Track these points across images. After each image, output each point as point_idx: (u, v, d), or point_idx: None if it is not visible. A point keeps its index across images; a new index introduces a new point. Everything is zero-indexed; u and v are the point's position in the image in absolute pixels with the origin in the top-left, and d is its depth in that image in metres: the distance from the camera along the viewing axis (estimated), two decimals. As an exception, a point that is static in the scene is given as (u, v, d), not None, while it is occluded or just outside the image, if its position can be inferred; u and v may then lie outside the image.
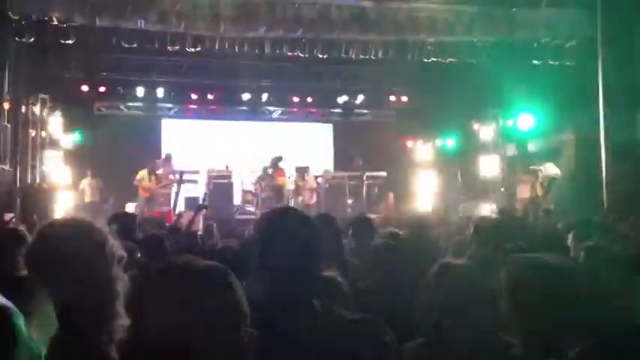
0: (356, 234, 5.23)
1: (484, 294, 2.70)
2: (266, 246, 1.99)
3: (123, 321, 1.69)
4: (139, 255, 4.89)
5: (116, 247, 1.77)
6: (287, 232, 2.01)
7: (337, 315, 1.97)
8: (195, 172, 16.36)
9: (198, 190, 16.23)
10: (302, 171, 15.95)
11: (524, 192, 13.61)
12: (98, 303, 1.67)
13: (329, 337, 1.86)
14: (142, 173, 14.78)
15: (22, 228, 3.54)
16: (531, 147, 14.24)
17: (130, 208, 14.60)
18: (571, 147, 13.21)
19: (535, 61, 13.40)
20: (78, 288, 1.60)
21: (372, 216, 8.54)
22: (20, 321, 0.93)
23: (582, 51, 12.55)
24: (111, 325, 1.68)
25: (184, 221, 12.89)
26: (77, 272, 1.64)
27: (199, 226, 12.15)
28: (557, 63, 13.22)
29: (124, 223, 4.87)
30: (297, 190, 15.51)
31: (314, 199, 15.41)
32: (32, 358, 0.93)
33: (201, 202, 13.23)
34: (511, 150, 14.92)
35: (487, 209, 13.44)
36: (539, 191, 12.92)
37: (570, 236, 4.87)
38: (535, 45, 13.26)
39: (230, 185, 15.60)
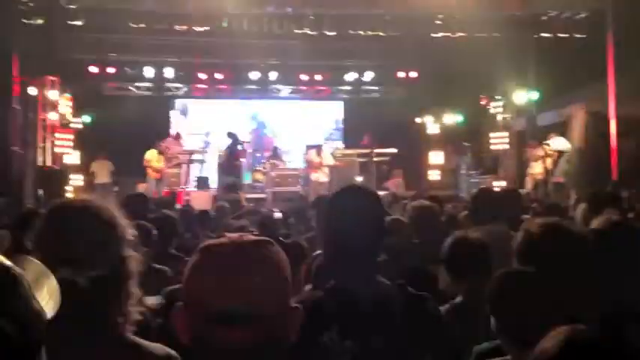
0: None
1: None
2: (337, 223, 2.06)
3: (138, 301, 1.72)
4: (154, 233, 4.96)
5: (127, 227, 1.80)
6: (359, 210, 2.08)
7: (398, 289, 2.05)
8: (204, 152, 16.43)
9: (208, 170, 16.33)
10: (317, 149, 15.90)
11: (534, 167, 13.57)
12: (111, 284, 1.69)
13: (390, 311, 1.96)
14: (151, 154, 14.78)
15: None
16: (541, 121, 14.17)
17: (142, 188, 14.67)
18: (580, 120, 13.12)
19: (544, 35, 13.29)
20: (90, 269, 1.63)
21: (381, 193, 8.57)
22: (25, 282, 0.96)
23: (592, 24, 12.43)
24: (125, 306, 1.71)
25: (194, 201, 13.03)
26: (88, 253, 1.66)
27: (210, 206, 12.26)
28: (566, 36, 13.10)
29: (136, 204, 4.91)
30: (312, 168, 15.46)
31: (327, 177, 15.39)
32: (39, 316, 0.96)
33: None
34: (521, 125, 14.85)
35: (496, 185, 13.44)
36: (549, 165, 12.89)
37: (580, 209, 4.88)
38: (544, 18, 13.14)
39: (240, 165, 15.61)
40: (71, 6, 12.25)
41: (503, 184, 13.55)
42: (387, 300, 1.97)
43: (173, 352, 1.74)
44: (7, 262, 0.95)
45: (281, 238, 3.74)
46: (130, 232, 1.79)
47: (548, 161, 12.95)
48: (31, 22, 12.02)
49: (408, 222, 4.58)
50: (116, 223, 1.77)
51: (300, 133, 19.22)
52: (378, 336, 1.91)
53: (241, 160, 15.33)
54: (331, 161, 15.45)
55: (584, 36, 12.93)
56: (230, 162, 14.43)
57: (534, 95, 13.94)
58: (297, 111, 19.91)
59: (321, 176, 15.18)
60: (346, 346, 1.87)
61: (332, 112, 20.30)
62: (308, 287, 2.28)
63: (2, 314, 0.89)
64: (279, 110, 19.81)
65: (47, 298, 0.97)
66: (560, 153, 12.85)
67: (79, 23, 12.61)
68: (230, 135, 15.07)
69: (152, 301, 2.00)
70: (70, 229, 1.70)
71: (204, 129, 19.08)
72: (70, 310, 1.04)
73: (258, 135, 19.04)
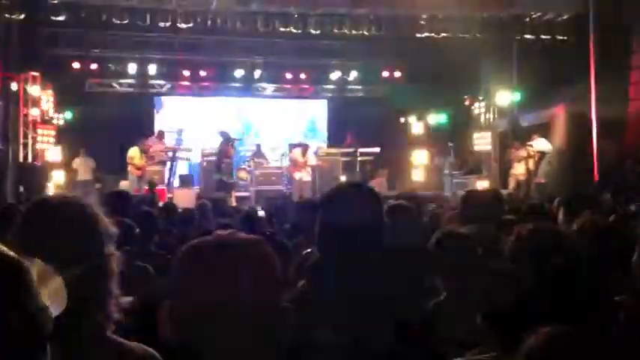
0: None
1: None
2: (335, 221, 2.06)
3: (118, 300, 1.70)
4: (137, 231, 4.93)
5: (108, 224, 1.78)
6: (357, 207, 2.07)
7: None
8: (188, 150, 16.34)
9: (191, 168, 16.28)
10: (302, 148, 15.88)
11: (517, 167, 13.68)
12: (92, 282, 1.67)
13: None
14: (134, 151, 14.68)
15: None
16: (523, 122, 14.29)
17: (124, 186, 14.57)
18: (562, 121, 13.23)
19: (527, 35, 13.40)
20: (70, 267, 1.61)
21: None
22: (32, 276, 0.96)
23: (574, 26, 12.55)
24: (106, 304, 1.70)
25: (178, 200, 12.98)
26: (69, 250, 1.65)
27: (193, 204, 12.20)
28: (549, 37, 13.22)
29: (118, 202, 4.88)
30: (296, 167, 15.44)
31: (309, 177, 15.39)
32: (47, 312, 0.96)
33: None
34: (503, 125, 14.96)
35: (480, 185, 13.51)
36: (531, 166, 13.00)
37: (561, 210, 4.92)
38: (527, 20, 13.25)
39: (230, 164, 15.49)
40: (53, 1, 12.13)
41: (486, 184, 13.65)
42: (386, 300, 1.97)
43: (152, 351, 1.73)
44: (16, 256, 0.94)
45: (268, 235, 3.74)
46: (111, 230, 1.78)
47: (531, 162, 13.06)
48: (13, 17, 11.87)
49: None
50: (98, 219, 1.75)
51: (280, 131, 19.18)
52: (373, 332, 1.91)
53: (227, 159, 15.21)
54: (314, 161, 15.47)
55: (566, 38, 13.05)
56: (220, 160, 14.39)
57: (517, 96, 14.05)
58: (279, 109, 19.89)
59: (305, 175, 15.17)
60: (341, 343, 1.86)
61: (316, 111, 20.28)
62: (300, 284, 2.27)
63: (12, 307, 0.89)
64: (261, 108, 19.76)
65: (52, 297, 0.97)
66: (543, 154, 12.97)
67: (61, 18, 12.48)
68: (222, 134, 15.00)
69: (124, 300, 1.97)
70: (51, 225, 1.68)
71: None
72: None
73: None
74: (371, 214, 2.08)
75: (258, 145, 17.14)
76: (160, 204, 9.65)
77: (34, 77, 13.57)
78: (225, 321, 1.17)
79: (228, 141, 14.82)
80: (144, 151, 14.73)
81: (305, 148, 15.63)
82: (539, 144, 13.05)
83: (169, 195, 13.15)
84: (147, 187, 13.73)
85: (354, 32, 13.52)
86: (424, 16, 13.25)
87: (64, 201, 1.76)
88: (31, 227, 1.71)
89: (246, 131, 18.94)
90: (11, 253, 0.95)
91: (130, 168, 14.67)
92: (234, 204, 12.27)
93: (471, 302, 2.51)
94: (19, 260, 0.94)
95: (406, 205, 4.83)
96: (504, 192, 11.55)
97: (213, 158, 15.23)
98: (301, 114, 20.10)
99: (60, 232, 1.66)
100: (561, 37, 13.01)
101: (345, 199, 2.12)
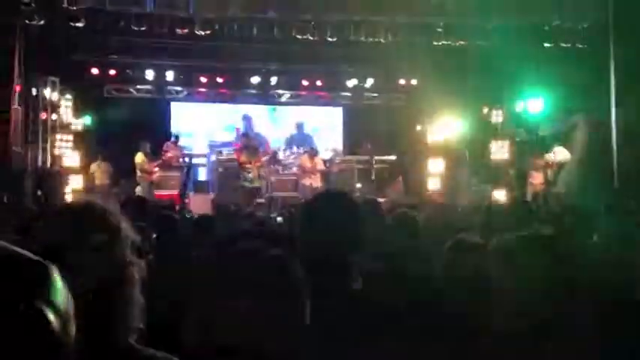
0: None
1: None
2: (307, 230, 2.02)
3: (140, 308, 1.69)
4: (154, 236, 4.92)
5: (130, 230, 1.77)
6: (327, 217, 2.04)
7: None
8: (204, 156, 16.39)
9: (206, 173, 16.32)
10: (309, 153, 15.89)
11: (535, 177, 13.56)
12: (114, 289, 1.66)
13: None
14: (140, 157, 14.77)
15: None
16: (542, 131, 14.16)
17: (140, 191, 14.66)
18: (582, 131, 13.10)
19: (546, 44, 13.30)
20: (92, 274, 1.60)
21: (380, 200, 8.57)
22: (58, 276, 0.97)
23: (594, 34, 12.44)
24: (128, 312, 1.68)
25: (193, 205, 13.02)
26: (91, 257, 1.64)
27: (209, 210, 12.23)
28: (568, 46, 13.11)
29: (136, 207, 4.89)
30: (305, 173, 15.44)
31: (320, 182, 15.38)
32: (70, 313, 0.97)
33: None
34: (521, 134, 14.85)
35: (498, 194, 13.42)
36: (550, 176, 12.87)
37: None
38: (546, 28, 13.16)
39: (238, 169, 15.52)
40: (73, 7, 12.24)
41: (503, 193, 13.54)
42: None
43: (174, 358, 1.71)
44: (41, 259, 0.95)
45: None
46: (134, 236, 1.76)
47: (549, 172, 12.93)
48: (33, 22, 11.99)
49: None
50: (120, 227, 1.74)
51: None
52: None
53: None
54: (323, 166, 15.47)
55: (586, 46, 12.94)
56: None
57: (536, 104, 13.93)
58: (297, 116, 19.85)
59: (315, 181, 15.15)
60: None
61: (332, 118, 20.21)
62: None
63: (47, 303, 0.89)
64: (279, 114, 19.75)
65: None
66: (562, 163, 12.84)
67: (80, 25, 12.58)
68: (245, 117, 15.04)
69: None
70: (73, 232, 1.67)
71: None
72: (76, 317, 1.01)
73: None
74: (349, 222, 2.05)
75: (275, 152, 17.15)
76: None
77: (53, 83, 13.68)
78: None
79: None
80: (148, 154, 14.79)
81: (312, 153, 15.61)
82: (559, 153, 12.93)
83: (185, 200, 13.16)
84: (159, 194, 13.86)
85: (370, 39, 13.50)
86: (441, 23, 13.21)
87: (86, 207, 1.75)
88: (54, 232, 1.70)
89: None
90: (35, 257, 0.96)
91: (140, 174, 14.75)
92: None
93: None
94: (46, 262, 0.95)
95: (410, 213, 4.80)
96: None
97: (230, 164, 15.29)
98: (319, 121, 20.05)
99: (83, 239, 1.66)
100: (580, 46, 12.91)
101: (324, 209, 2.09)
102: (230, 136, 18.18)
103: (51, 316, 0.90)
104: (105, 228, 1.69)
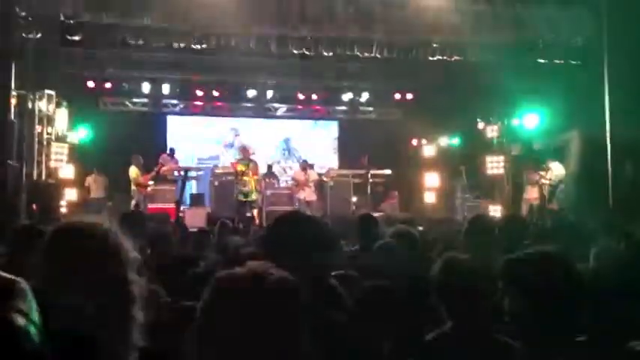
0: (361, 234, 5.26)
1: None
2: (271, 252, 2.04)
3: (139, 327, 1.69)
4: (148, 252, 4.91)
5: (131, 250, 1.78)
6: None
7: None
8: (199, 169, 16.38)
9: (202, 186, 16.29)
10: (302, 166, 15.94)
11: (530, 192, 13.59)
12: (114, 309, 1.66)
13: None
14: (134, 171, 14.75)
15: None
16: (536, 146, 14.22)
17: (134, 204, 14.63)
18: (576, 146, 13.15)
19: (540, 60, 13.39)
20: (93, 294, 1.60)
21: (376, 214, 8.58)
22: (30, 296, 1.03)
23: (587, 50, 12.53)
24: (128, 331, 1.68)
25: (189, 219, 12.99)
26: (92, 277, 1.64)
27: (204, 224, 12.22)
28: (562, 62, 13.20)
29: (133, 222, 4.88)
30: (298, 186, 15.45)
31: (314, 196, 15.39)
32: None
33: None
34: (516, 149, 14.91)
35: (492, 209, 13.44)
36: (545, 191, 12.90)
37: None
38: (540, 44, 13.25)
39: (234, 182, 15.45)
40: (69, 21, 12.26)
41: (499, 208, 13.58)
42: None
43: None
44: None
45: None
46: (134, 256, 1.77)
47: (545, 187, 12.97)
48: (30, 36, 12.00)
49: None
50: (121, 246, 1.74)
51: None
52: None
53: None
54: (316, 176, 15.51)
55: (580, 62, 13.02)
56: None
57: (532, 120, 14.01)
58: (293, 130, 19.94)
59: (309, 194, 15.16)
60: None
61: (327, 132, 20.27)
62: None
63: (18, 312, 0.93)
64: (275, 128, 19.81)
65: None
66: (557, 179, 12.87)
67: (76, 38, 12.60)
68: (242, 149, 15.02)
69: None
70: (75, 254, 1.67)
71: (199, 148, 19.04)
72: (77, 336, 1.02)
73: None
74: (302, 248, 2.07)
75: (270, 165, 17.15)
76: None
77: (49, 96, 13.67)
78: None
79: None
80: (140, 167, 14.78)
81: (305, 166, 15.66)
82: (554, 168, 12.96)
83: (180, 214, 13.14)
84: (153, 207, 13.81)
85: (366, 54, 13.56)
86: (436, 39, 13.28)
87: (87, 227, 1.75)
88: (55, 255, 1.70)
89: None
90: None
91: (134, 188, 14.72)
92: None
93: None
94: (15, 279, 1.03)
95: (408, 230, 4.79)
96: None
97: (226, 178, 15.27)
98: (314, 135, 20.11)
99: (84, 260, 1.66)
100: (574, 62, 12.99)
101: (281, 231, 2.12)
102: (217, 149, 18.41)
103: (21, 322, 0.98)
104: (106, 250, 1.70)
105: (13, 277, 1.00)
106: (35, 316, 1.01)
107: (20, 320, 0.98)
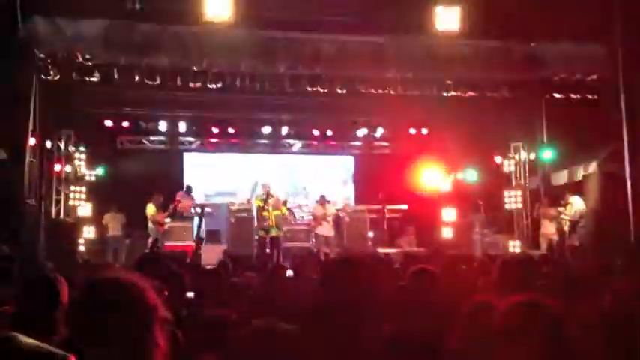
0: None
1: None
2: None
3: None
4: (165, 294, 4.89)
5: (160, 305, 1.78)
6: None
7: None
8: (216, 205, 16.40)
9: (218, 223, 16.29)
10: (322, 200, 15.87)
11: (547, 227, 13.44)
12: (139, 356, 1.67)
13: None
14: (152, 209, 14.80)
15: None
16: (554, 180, 14.12)
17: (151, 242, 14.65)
18: (595, 181, 13.03)
19: (556, 95, 13.36)
20: (122, 353, 1.60)
21: (392, 250, 8.53)
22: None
23: (604, 85, 12.50)
24: None
25: (205, 256, 12.96)
26: (123, 334, 1.64)
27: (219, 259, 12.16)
28: (578, 96, 13.17)
29: (152, 264, 4.88)
30: (316, 222, 15.40)
31: (333, 232, 15.31)
32: None
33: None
34: (534, 183, 14.82)
35: (511, 244, 13.31)
36: (565, 226, 12.75)
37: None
38: (555, 79, 13.24)
39: (251, 219, 15.39)
40: (88, 62, 12.46)
41: (518, 243, 13.45)
42: None
43: None
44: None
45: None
46: (164, 312, 1.77)
47: (564, 222, 12.80)
48: (49, 77, 12.20)
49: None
50: (150, 302, 1.74)
51: (310, 188, 19.18)
52: None
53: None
54: (334, 210, 15.45)
55: (596, 97, 12.98)
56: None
57: (548, 154, 13.94)
58: (308, 166, 19.98)
59: (327, 230, 15.06)
60: None
61: (343, 168, 20.28)
62: None
63: None
64: (290, 164, 19.87)
65: None
66: (578, 214, 12.71)
67: (94, 79, 12.80)
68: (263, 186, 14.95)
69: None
70: (104, 310, 1.68)
71: (216, 184, 19.13)
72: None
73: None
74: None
75: (285, 201, 17.11)
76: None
77: (67, 135, 13.85)
78: None
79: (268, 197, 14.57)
80: (157, 204, 14.84)
81: (323, 201, 15.58)
82: (576, 204, 12.77)
83: (200, 252, 13.12)
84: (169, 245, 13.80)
85: (380, 91, 13.61)
86: (450, 76, 13.32)
87: (119, 283, 1.76)
88: (84, 311, 1.71)
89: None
90: None
91: (151, 226, 14.75)
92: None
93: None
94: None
95: (429, 268, 4.72)
96: (536, 253, 11.36)
97: (242, 215, 15.27)
98: (329, 170, 20.12)
99: (115, 316, 1.66)
100: (591, 97, 12.95)
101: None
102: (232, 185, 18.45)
103: None
104: (135, 307, 1.70)
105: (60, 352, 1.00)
106: None
107: None
